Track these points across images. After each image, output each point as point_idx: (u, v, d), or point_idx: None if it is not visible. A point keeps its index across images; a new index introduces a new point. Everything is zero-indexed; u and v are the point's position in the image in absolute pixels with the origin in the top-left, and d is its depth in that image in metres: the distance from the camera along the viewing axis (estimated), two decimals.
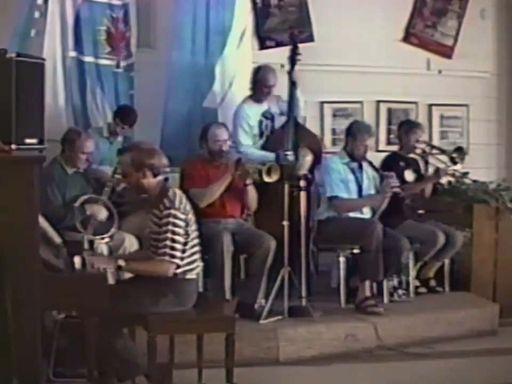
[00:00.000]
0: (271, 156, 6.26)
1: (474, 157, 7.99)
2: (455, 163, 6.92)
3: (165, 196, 4.50)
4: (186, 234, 4.51)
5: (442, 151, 7.22)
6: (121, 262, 4.47)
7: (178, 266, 4.48)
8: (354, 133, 6.50)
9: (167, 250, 4.43)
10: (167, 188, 4.60)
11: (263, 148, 6.59)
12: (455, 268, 6.96)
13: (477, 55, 8.16)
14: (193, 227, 4.57)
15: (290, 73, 6.10)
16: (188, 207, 4.57)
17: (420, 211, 6.70)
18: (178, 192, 4.60)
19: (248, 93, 6.69)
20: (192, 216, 4.58)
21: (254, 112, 6.63)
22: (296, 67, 6.12)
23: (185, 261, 4.52)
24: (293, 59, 6.12)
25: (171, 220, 4.44)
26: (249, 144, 6.57)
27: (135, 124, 6.45)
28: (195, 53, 6.90)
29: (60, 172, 5.88)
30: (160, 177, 4.61)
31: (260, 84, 6.59)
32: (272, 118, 6.72)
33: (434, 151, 7.34)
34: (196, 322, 4.62)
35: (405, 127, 7.11)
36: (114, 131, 6.40)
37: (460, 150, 7.07)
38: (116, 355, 4.46)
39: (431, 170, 7.11)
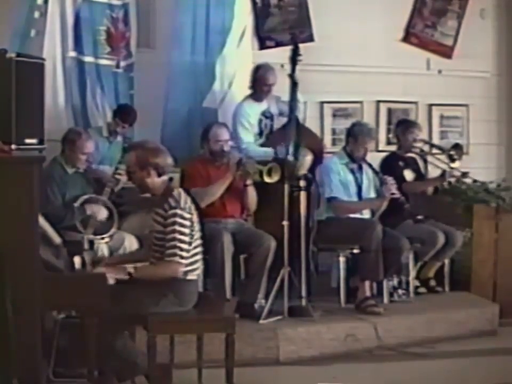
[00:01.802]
0: (272, 151, 6.29)
1: (474, 157, 8.00)
2: (453, 160, 6.92)
3: (170, 196, 4.49)
4: (191, 234, 4.51)
5: (441, 149, 7.23)
6: (131, 269, 4.46)
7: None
8: (356, 135, 6.49)
9: (176, 251, 4.42)
10: (172, 187, 4.60)
11: (263, 147, 6.59)
12: (455, 268, 6.95)
13: (477, 55, 8.16)
14: (196, 228, 4.57)
15: (291, 74, 6.10)
16: (193, 207, 4.56)
17: (419, 216, 6.70)
18: (183, 192, 4.59)
19: (248, 92, 6.70)
20: (196, 217, 4.57)
21: (253, 111, 6.65)
22: (297, 67, 6.13)
23: (188, 260, 4.51)
24: (294, 59, 6.12)
25: (177, 219, 4.43)
26: (250, 141, 6.58)
27: (134, 123, 6.45)
28: (195, 53, 6.90)
29: (60, 171, 5.88)
30: (164, 177, 4.61)
31: (259, 83, 6.61)
32: (271, 117, 6.74)
33: (433, 149, 7.35)
34: (196, 322, 4.62)
35: (402, 127, 7.11)
36: (114, 130, 6.40)
37: (457, 147, 7.07)
38: (116, 355, 4.45)
39: (430, 169, 7.11)
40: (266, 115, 6.72)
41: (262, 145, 6.64)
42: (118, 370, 4.53)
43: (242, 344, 5.16)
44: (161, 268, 4.50)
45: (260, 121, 6.70)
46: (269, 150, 6.40)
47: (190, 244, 4.50)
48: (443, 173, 6.94)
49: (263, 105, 6.70)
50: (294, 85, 6.08)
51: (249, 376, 5.03)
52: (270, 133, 6.73)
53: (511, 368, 5.45)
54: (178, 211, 4.44)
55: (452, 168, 6.93)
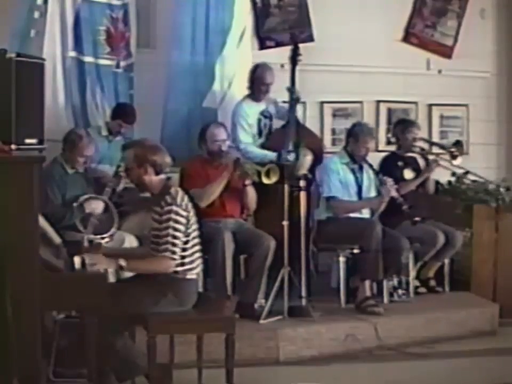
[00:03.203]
0: (272, 154, 6.28)
1: (474, 157, 8.00)
2: (454, 157, 6.92)
3: (167, 193, 4.50)
4: (187, 232, 4.51)
5: (441, 146, 7.22)
6: (122, 262, 4.46)
7: (180, 264, 4.48)
8: (357, 135, 6.50)
9: (169, 246, 4.43)
10: (169, 185, 4.61)
11: (263, 147, 6.59)
12: (455, 268, 6.96)
13: (477, 55, 8.15)
14: (194, 226, 4.57)
15: (291, 89, 6.11)
16: (190, 205, 4.56)
17: (417, 218, 6.68)
18: (180, 190, 4.60)
19: (247, 92, 6.71)
20: (193, 215, 4.58)
21: (252, 110, 6.64)
22: (297, 67, 6.14)
23: (187, 260, 4.52)
24: (294, 59, 6.12)
25: (172, 216, 4.44)
26: (249, 142, 6.58)
27: (135, 122, 6.46)
28: (195, 53, 6.90)
29: (60, 171, 5.88)
30: (162, 176, 4.62)
31: (257, 82, 6.60)
32: (270, 117, 6.74)
33: (433, 147, 7.34)
34: (196, 322, 4.62)
35: (400, 127, 7.10)
36: (118, 131, 6.39)
37: (458, 143, 7.07)
38: (116, 355, 4.45)
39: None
40: (265, 115, 6.72)
41: (262, 145, 6.63)
42: (118, 370, 4.53)
43: (242, 344, 5.15)
44: (153, 263, 4.51)
45: (259, 120, 6.69)
46: (269, 153, 6.39)
47: (187, 242, 4.51)
48: (428, 163, 6.92)
49: (261, 105, 6.70)
50: (295, 101, 6.12)
51: (249, 376, 5.03)
52: (269, 133, 6.73)
53: (511, 368, 5.45)
54: (174, 207, 4.45)
55: (453, 165, 6.94)
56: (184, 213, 4.49)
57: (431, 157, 6.95)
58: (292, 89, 6.15)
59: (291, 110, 6.21)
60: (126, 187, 5.84)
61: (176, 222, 4.46)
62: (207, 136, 6.11)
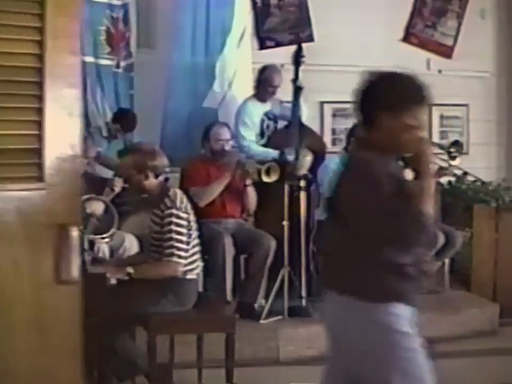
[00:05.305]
0: (274, 152, 6.27)
1: (474, 157, 8.00)
2: (453, 158, 6.92)
3: (166, 196, 4.51)
4: (188, 234, 4.51)
5: (440, 146, 7.22)
6: (130, 269, 4.46)
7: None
8: (357, 135, 6.49)
9: (174, 250, 4.43)
10: (167, 187, 4.61)
11: (265, 147, 6.58)
12: (455, 268, 6.95)
13: (477, 55, 8.16)
14: (194, 227, 4.58)
15: (295, 79, 6.10)
16: (189, 207, 4.57)
17: None
18: (179, 192, 4.61)
19: (248, 92, 6.70)
20: (193, 217, 4.58)
21: (257, 110, 6.63)
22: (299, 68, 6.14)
23: (187, 260, 4.52)
24: (297, 61, 6.12)
25: (173, 219, 4.44)
26: (252, 139, 6.56)
27: (134, 130, 6.45)
28: (195, 53, 6.90)
29: None
30: (161, 178, 4.63)
31: (264, 84, 6.59)
32: (274, 119, 6.72)
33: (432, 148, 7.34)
34: (196, 322, 4.62)
35: None
36: (115, 134, 6.39)
37: (456, 143, 7.07)
38: (116, 355, 4.46)
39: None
40: (269, 116, 6.71)
41: (264, 146, 6.63)
42: (118, 370, 4.53)
43: (242, 344, 5.16)
44: (160, 268, 4.51)
45: (262, 121, 6.68)
46: (271, 151, 6.38)
47: (188, 243, 4.51)
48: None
49: (266, 106, 6.69)
50: (297, 89, 6.08)
51: (249, 376, 5.03)
52: (273, 133, 6.71)
53: (511, 368, 5.45)
54: (174, 211, 4.45)
55: (451, 165, 6.93)
56: (184, 215, 4.49)
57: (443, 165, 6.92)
58: (295, 79, 6.11)
59: (295, 107, 6.18)
60: (126, 187, 5.84)
61: (178, 225, 4.46)
62: (210, 135, 6.11)
